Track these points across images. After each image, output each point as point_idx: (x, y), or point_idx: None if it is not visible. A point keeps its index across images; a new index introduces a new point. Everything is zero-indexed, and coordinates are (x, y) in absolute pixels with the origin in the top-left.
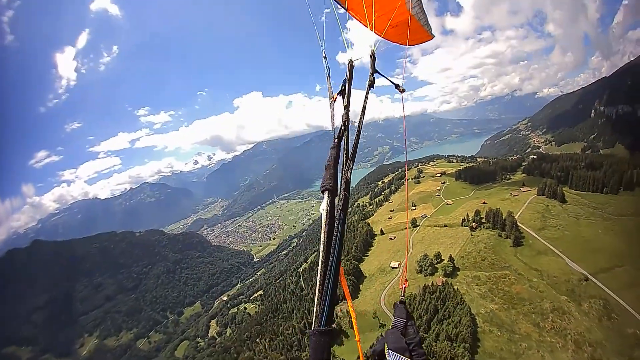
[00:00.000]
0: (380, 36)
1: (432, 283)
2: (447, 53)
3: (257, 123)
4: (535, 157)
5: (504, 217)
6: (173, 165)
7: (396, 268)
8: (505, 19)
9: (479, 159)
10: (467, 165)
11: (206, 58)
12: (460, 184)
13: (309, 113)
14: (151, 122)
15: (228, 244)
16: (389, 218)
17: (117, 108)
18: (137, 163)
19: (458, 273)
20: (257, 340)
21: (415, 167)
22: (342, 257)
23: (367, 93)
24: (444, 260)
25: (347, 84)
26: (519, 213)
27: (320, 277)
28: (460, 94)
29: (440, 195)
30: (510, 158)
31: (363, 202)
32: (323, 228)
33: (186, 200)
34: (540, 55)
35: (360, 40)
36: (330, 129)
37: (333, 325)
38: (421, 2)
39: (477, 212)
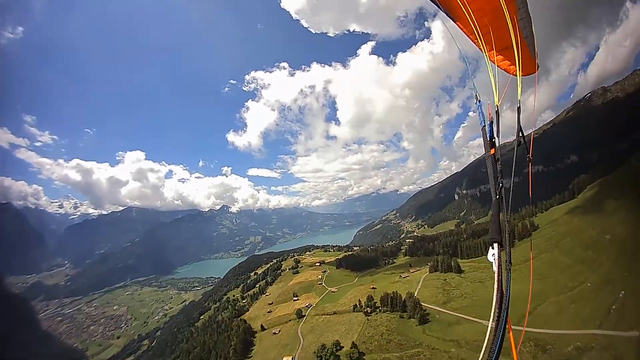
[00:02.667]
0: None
1: None
2: (320, 157)
3: (132, 185)
4: (413, 240)
5: (403, 298)
6: (40, 197)
7: None
8: (373, 135)
9: (355, 247)
10: (346, 253)
11: (104, 92)
12: (342, 272)
13: (186, 189)
14: (34, 136)
15: (60, 332)
16: (268, 312)
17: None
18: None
19: (365, 358)
20: None
21: (291, 258)
22: None
23: (516, 152)
24: (344, 347)
25: (497, 135)
26: (416, 292)
27: (493, 329)
28: (330, 192)
29: (323, 284)
30: (386, 244)
31: (234, 295)
32: (496, 276)
33: (37, 250)
34: (398, 164)
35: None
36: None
37: None
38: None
39: (370, 297)
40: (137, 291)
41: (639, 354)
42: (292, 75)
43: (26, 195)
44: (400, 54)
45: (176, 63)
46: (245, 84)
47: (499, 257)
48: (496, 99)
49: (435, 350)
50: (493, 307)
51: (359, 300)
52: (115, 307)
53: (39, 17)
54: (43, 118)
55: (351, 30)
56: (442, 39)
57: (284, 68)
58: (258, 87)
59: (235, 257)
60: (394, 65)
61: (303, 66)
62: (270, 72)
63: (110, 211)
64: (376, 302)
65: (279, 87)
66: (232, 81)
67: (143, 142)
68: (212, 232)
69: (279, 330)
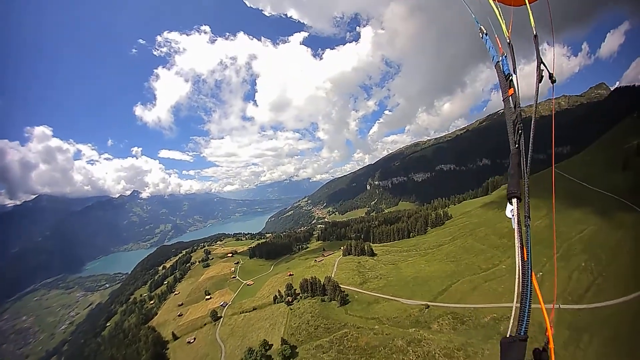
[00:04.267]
0: None
1: None
2: (234, 141)
3: (42, 168)
4: (324, 225)
5: (322, 282)
6: None
7: None
8: (290, 122)
9: (268, 235)
10: (259, 241)
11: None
12: (256, 262)
13: (95, 171)
14: None
15: None
16: (178, 315)
17: None
18: None
19: (297, 350)
20: None
21: (202, 249)
22: None
23: (538, 88)
24: (273, 345)
25: (514, 72)
26: (332, 274)
27: (520, 282)
28: (243, 177)
29: (237, 277)
30: (299, 230)
31: (141, 295)
32: (516, 233)
33: None
34: (312, 152)
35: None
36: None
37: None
38: None
39: (289, 285)
40: (45, 295)
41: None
42: (213, 42)
43: None
44: (328, 50)
45: (77, 11)
46: (157, 46)
47: (518, 212)
48: (505, 30)
49: (361, 329)
50: (518, 267)
51: (279, 291)
52: (23, 318)
53: None
54: None
55: (288, 15)
56: (369, 43)
57: (205, 32)
58: (171, 51)
59: (144, 248)
60: (320, 59)
61: (227, 34)
62: (188, 34)
63: (23, 201)
64: (296, 290)
65: (195, 53)
66: (141, 41)
67: (49, 116)
68: (122, 220)
69: (194, 338)
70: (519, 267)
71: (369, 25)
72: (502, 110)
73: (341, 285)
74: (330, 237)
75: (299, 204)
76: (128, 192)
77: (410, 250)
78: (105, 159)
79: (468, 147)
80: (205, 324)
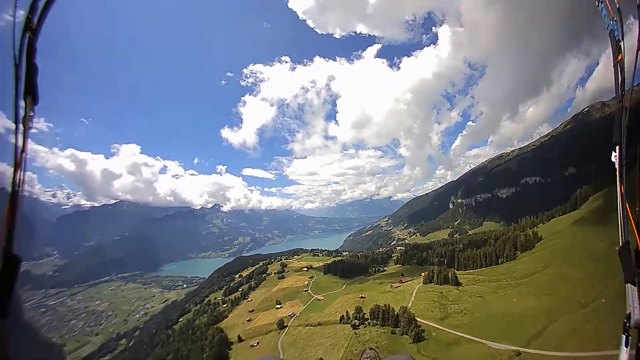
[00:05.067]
0: None
1: None
2: (316, 160)
3: (126, 179)
4: (404, 248)
5: (395, 312)
6: (33, 184)
7: None
8: (371, 140)
9: (345, 253)
10: (335, 259)
11: (99, 85)
12: (329, 278)
13: (179, 185)
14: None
15: (41, 325)
16: (247, 320)
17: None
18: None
19: None
20: None
21: (278, 261)
22: None
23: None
24: None
25: (622, 42)
26: (409, 304)
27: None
28: (324, 195)
29: (309, 291)
30: (377, 251)
31: (215, 298)
32: (617, 176)
33: (27, 238)
34: (393, 170)
35: None
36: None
37: None
38: None
39: (359, 309)
40: (121, 287)
41: None
42: (293, 69)
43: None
44: (405, 58)
45: (174, 58)
46: (244, 77)
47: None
48: None
49: None
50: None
51: (347, 312)
52: (97, 302)
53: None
54: (39, 104)
55: (357, 32)
56: (448, 44)
57: (285, 62)
58: (257, 80)
59: (222, 257)
60: (397, 69)
61: (305, 60)
62: (271, 65)
63: (102, 204)
64: (365, 314)
65: (278, 81)
66: (229, 74)
67: (139, 135)
68: (201, 230)
69: (257, 343)
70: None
71: (445, 23)
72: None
73: (418, 319)
74: (411, 261)
75: (379, 224)
76: (209, 205)
77: (499, 280)
78: (190, 174)
79: (553, 155)
80: (270, 331)
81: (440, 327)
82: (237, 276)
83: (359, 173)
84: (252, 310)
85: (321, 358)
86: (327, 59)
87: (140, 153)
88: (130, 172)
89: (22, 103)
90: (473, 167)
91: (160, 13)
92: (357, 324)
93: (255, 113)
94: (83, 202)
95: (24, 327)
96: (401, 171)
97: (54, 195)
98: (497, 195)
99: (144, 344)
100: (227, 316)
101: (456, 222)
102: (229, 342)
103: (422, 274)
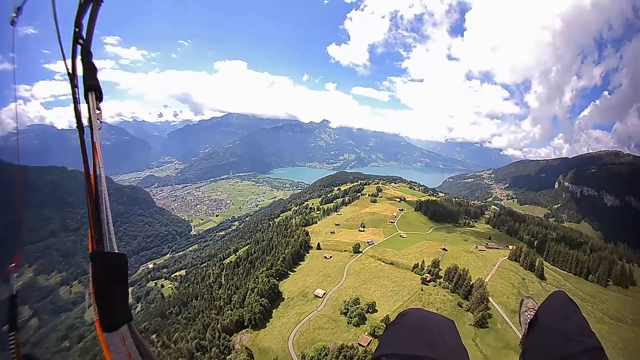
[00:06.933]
0: None
1: (352, 345)
2: (433, 87)
3: (233, 93)
4: (499, 209)
5: (472, 281)
6: (136, 111)
7: (320, 297)
8: (500, 72)
9: (440, 194)
10: (429, 197)
11: (199, 6)
12: (418, 216)
13: (288, 100)
14: (118, 56)
15: (172, 208)
16: (331, 232)
17: None
18: None
19: None
20: (153, 336)
21: (375, 184)
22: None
23: None
24: (377, 311)
25: None
26: (487, 277)
27: None
28: (434, 128)
29: (395, 224)
30: (472, 202)
31: (312, 204)
32: None
33: (142, 153)
34: (513, 120)
35: None
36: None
37: None
38: None
39: (436, 262)
40: (238, 183)
41: None
42: None
43: (120, 112)
44: None
45: None
46: None
47: None
48: None
49: None
50: None
51: (423, 261)
52: (218, 193)
53: None
54: (127, 37)
55: None
56: None
57: None
58: None
59: (327, 169)
60: None
61: None
62: None
63: (211, 117)
64: (440, 271)
65: None
66: None
67: (244, 52)
68: (310, 143)
69: (330, 256)
70: None
71: None
72: None
73: (491, 299)
74: (501, 227)
75: (482, 174)
76: (318, 121)
77: (584, 300)
78: (299, 90)
79: None
80: (345, 250)
81: (509, 322)
82: (335, 189)
83: (477, 112)
84: (338, 224)
85: (374, 301)
86: None
87: (247, 69)
88: (236, 86)
89: (107, 40)
90: (591, 152)
91: None
92: (427, 279)
93: (364, 28)
94: (191, 117)
95: (156, 211)
96: (521, 123)
97: (160, 115)
98: (602, 197)
99: (250, 227)
100: (316, 222)
101: (556, 206)
102: (309, 246)
103: (510, 247)
